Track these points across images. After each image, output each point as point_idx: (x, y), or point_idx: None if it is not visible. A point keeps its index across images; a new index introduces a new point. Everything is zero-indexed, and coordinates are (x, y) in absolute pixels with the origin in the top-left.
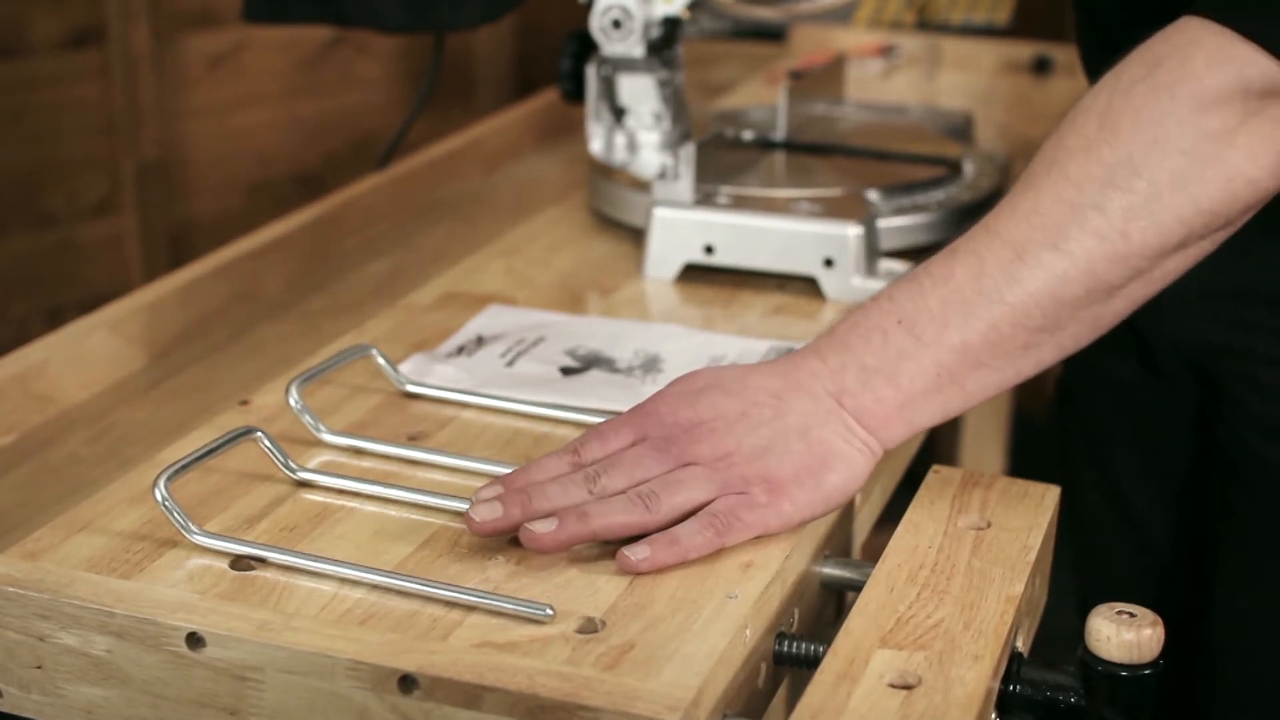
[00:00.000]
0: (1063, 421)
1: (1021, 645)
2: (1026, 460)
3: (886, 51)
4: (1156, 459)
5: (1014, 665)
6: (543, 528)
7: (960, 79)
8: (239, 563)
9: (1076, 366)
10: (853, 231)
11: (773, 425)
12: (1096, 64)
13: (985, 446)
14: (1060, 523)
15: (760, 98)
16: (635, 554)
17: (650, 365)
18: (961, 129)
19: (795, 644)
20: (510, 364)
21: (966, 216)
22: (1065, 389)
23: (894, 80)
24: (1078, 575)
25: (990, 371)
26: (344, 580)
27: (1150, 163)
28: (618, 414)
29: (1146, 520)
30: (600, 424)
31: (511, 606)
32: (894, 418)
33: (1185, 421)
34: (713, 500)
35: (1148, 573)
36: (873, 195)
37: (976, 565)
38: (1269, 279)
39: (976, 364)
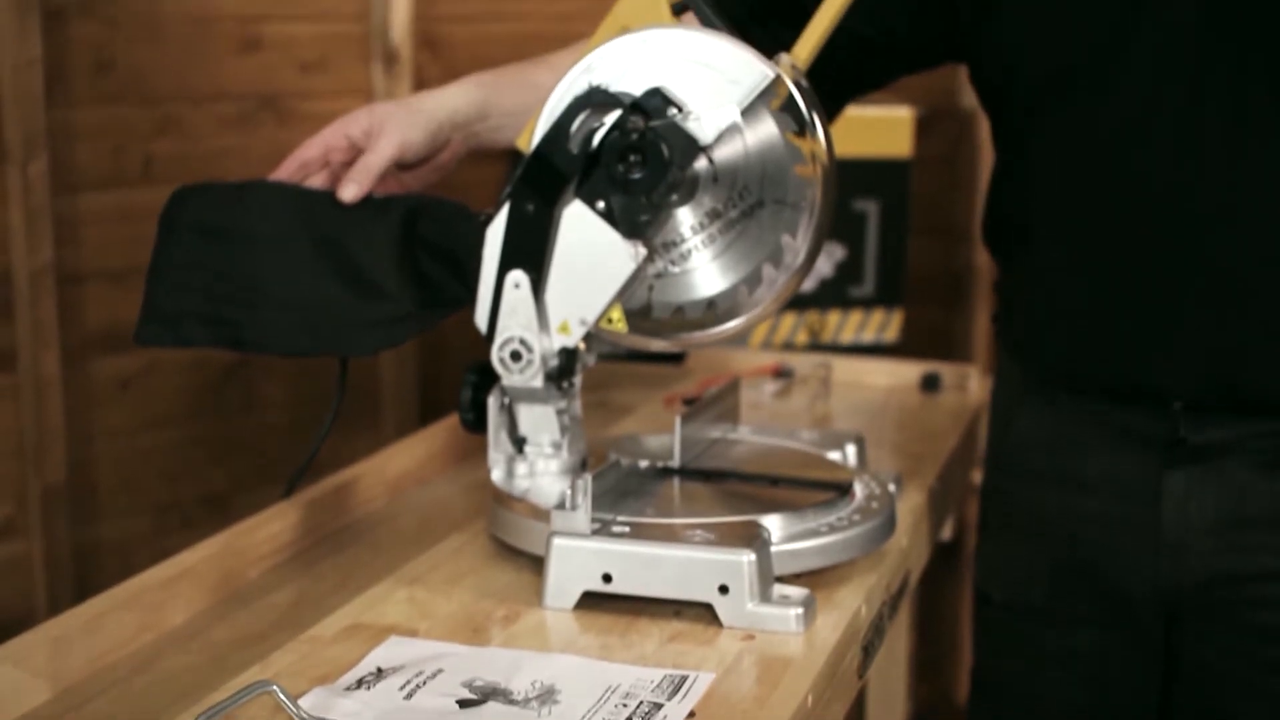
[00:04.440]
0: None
1: None
2: None
3: (781, 372)
4: None
5: None
6: None
7: (852, 396)
8: None
9: (991, 662)
10: (746, 558)
11: None
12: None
13: None
14: None
15: (660, 420)
16: None
17: (546, 696)
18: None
19: None
20: (408, 697)
21: (859, 539)
22: (980, 683)
23: (789, 399)
24: None
25: None
26: None
27: None
28: None
29: None
30: None
31: None
32: None
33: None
34: None
35: None
36: (765, 521)
37: None
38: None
39: None
